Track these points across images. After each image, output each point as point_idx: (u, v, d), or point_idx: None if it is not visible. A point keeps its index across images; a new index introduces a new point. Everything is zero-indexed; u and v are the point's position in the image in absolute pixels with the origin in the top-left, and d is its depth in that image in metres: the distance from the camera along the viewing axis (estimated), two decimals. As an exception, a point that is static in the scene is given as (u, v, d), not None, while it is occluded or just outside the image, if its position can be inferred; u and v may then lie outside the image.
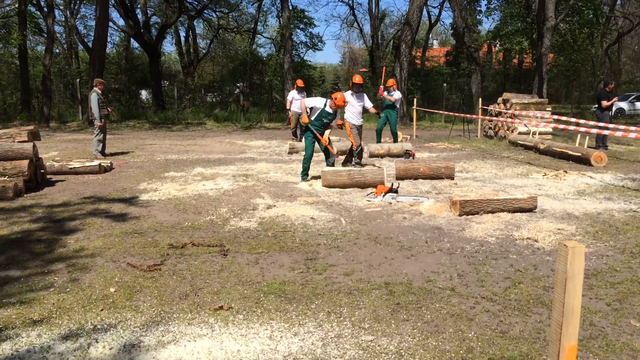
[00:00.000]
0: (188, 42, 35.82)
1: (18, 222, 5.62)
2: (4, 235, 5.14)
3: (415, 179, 8.22)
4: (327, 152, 8.21)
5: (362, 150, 9.60)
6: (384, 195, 6.69)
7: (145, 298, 3.58)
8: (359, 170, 7.75)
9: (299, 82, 13.32)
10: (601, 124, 11.67)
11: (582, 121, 11.24)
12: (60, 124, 20.43)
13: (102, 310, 3.38)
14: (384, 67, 13.86)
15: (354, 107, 9.74)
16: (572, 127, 10.83)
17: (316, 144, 8.15)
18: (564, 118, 12.12)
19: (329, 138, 8.15)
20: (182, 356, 2.81)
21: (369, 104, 10.00)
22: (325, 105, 7.96)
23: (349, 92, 9.70)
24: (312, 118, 7.99)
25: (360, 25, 39.79)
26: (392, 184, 6.95)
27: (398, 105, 11.84)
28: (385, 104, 11.62)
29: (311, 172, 8.22)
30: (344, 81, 51.36)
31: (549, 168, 9.56)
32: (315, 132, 7.97)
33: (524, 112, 13.73)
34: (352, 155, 9.30)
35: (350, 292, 3.69)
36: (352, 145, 9.36)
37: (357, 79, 9.92)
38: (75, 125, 20.03)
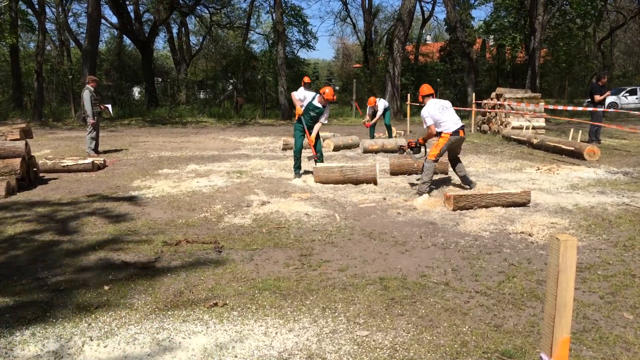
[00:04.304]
0: (180, 39, 35.62)
1: (10, 221, 5.58)
2: (-3, 234, 5.10)
3: (410, 174, 8.22)
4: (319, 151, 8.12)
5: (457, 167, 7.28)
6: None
7: (140, 295, 3.57)
8: (351, 167, 7.73)
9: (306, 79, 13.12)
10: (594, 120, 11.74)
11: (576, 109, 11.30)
12: (53, 121, 20.30)
13: (96, 308, 3.36)
14: (355, 102, 13.45)
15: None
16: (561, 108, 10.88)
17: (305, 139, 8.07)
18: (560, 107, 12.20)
19: (317, 137, 7.99)
20: (177, 353, 2.80)
21: None
22: (313, 98, 7.90)
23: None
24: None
25: (354, 21, 39.58)
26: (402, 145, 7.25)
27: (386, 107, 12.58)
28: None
29: (305, 168, 8.19)
30: (337, 77, 51.35)
31: (542, 162, 9.60)
32: (305, 125, 7.91)
33: (519, 105, 13.79)
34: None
35: (344, 287, 3.70)
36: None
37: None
38: (68, 122, 19.92)
